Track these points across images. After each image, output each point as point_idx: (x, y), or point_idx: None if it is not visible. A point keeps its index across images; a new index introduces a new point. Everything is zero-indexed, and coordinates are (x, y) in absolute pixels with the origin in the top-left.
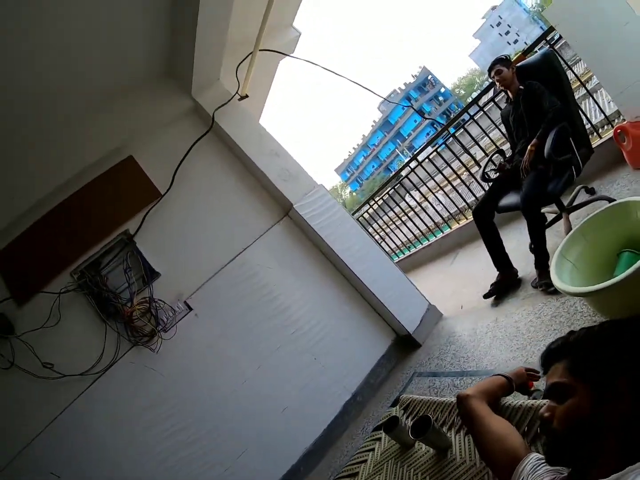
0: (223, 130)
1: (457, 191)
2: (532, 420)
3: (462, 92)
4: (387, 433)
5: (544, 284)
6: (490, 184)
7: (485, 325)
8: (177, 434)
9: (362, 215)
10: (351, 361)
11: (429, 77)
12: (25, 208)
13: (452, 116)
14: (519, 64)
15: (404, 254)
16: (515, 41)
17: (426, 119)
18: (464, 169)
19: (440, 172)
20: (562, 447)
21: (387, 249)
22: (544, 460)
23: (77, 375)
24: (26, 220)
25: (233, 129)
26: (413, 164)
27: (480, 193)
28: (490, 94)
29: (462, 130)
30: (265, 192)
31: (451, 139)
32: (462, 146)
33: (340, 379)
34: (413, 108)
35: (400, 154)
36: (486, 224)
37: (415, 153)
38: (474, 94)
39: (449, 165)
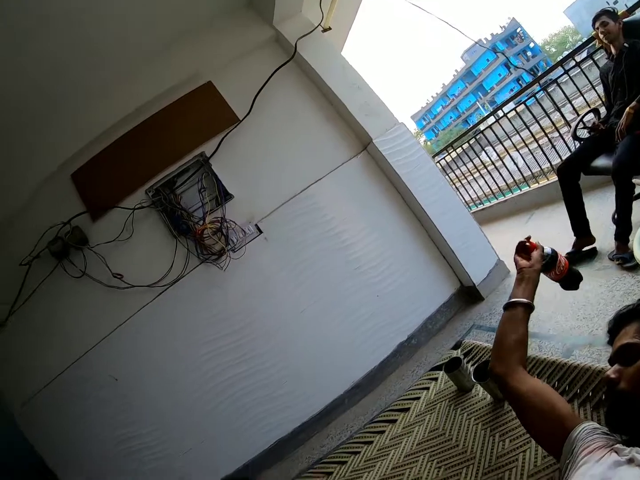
0: (304, 60)
1: (542, 150)
2: (565, 375)
3: (553, 49)
4: (447, 373)
5: (621, 258)
6: (580, 143)
7: (554, 290)
8: (229, 352)
9: (437, 163)
10: (411, 303)
11: (518, 29)
12: (106, 128)
13: (539, 74)
14: (626, 19)
15: (477, 207)
16: (615, 1)
17: (517, 68)
18: (551, 127)
19: (527, 127)
20: (627, 409)
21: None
22: (599, 430)
23: (145, 287)
24: (105, 139)
25: (315, 60)
26: (497, 115)
27: (566, 155)
28: (584, 53)
29: (554, 86)
30: (344, 125)
31: (541, 92)
32: (554, 103)
33: (398, 320)
34: (505, 56)
35: (480, 107)
36: (570, 185)
37: (498, 106)
38: (565, 54)
39: (537, 121)
